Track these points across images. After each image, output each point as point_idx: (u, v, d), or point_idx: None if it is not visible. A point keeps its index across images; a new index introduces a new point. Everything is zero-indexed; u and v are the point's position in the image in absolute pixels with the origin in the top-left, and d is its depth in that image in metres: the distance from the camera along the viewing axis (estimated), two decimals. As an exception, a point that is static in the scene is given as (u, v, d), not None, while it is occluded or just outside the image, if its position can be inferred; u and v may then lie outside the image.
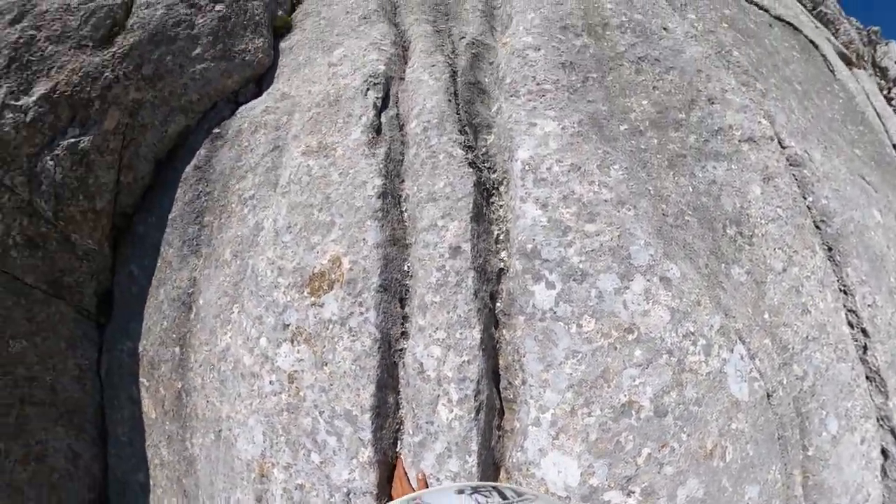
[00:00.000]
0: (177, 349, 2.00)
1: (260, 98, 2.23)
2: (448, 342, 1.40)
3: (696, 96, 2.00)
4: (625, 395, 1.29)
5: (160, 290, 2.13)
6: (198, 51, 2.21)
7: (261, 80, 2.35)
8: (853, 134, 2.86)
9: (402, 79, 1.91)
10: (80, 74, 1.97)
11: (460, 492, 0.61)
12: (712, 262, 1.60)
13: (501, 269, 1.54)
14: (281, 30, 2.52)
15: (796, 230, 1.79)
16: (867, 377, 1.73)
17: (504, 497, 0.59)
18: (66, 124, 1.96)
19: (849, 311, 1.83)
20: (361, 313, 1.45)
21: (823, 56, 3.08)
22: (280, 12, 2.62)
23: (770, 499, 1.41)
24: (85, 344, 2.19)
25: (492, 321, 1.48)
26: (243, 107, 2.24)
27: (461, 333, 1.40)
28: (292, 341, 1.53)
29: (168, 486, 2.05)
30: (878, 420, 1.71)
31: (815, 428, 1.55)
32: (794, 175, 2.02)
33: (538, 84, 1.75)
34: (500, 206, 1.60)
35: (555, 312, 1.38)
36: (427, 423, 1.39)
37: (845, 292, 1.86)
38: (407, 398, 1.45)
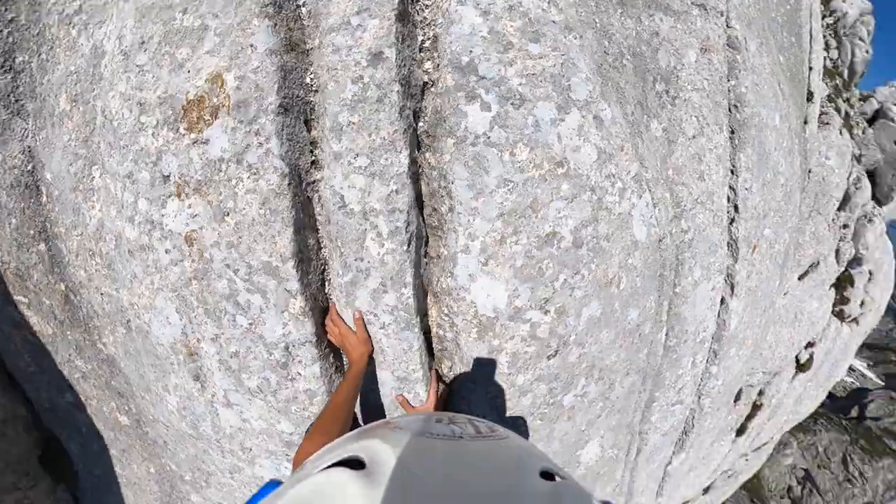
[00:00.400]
0: (41, 246, 1.56)
1: None
2: (372, 170, 1.23)
3: (663, -58, 1.80)
4: (549, 226, 1.28)
5: None
6: None
7: None
8: (784, 41, 2.93)
9: None
10: None
11: (438, 420, 0.58)
12: (637, 111, 1.57)
13: (426, 84, 1.32)
14: None
15: (714, 105, 1.87)
16: (728, 243, 2.00)
17: (478, 430, 0.56)
18: None
19: (731, 188, 2.03)
20: (261, 144, 1.18)
21: (782, -48, 2.99)
22: None
23: (644, 320, 1.63)
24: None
25: (415, 143, 1.31)
26: None
27: (387, 159, 1.22)
28: (179, 195, 1.23)
29: (100, 394, 1.78)
30: (725, 276, 2.04)
31: (685, 272, 1.79)
32: (727, 56, 2.02)
33: None
34: (427, 6, 1.33)
35: (489, 137, 1.25)
36: (356, 259, 1.28)
37: (733, 172, 2.04)
38: (329, 236, 1.30)
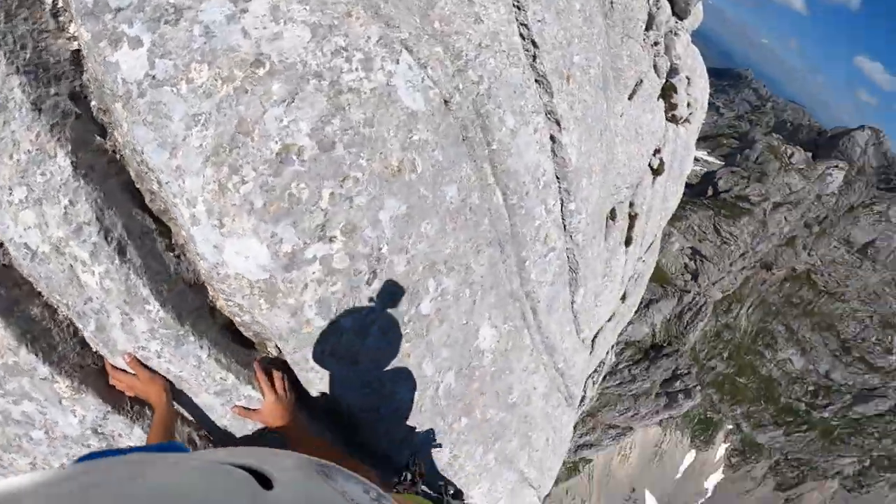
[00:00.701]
0: None
1: None
2: (34, 196, 0.97)
3: None
4: (276, 143, 1.04)
5: None
6: None
7: None
8: None
9: None
10: None
11: (366, 491, 0.47)
12: None
13: (79, 52, 1.02)
14: None
15: None
16: (536, 80, 1.87)
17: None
18: None
19: (521, 24, 1.87)
20: None
21: None
22: None
23: (469, 192, 1.49)
24: None
25: (81, 133, 1.01)
26: None
27: (43, 173, 0.96)
28: None
29: None
30: (546, 114, 1.94)
31: (494, 125, 1.64)
32: None
33: None
34: None
35: (153, 77, 0.98)
36: (85, 303, 1.06)
37: (518, 7, 1.88)
38: (48, 293, 1.07)
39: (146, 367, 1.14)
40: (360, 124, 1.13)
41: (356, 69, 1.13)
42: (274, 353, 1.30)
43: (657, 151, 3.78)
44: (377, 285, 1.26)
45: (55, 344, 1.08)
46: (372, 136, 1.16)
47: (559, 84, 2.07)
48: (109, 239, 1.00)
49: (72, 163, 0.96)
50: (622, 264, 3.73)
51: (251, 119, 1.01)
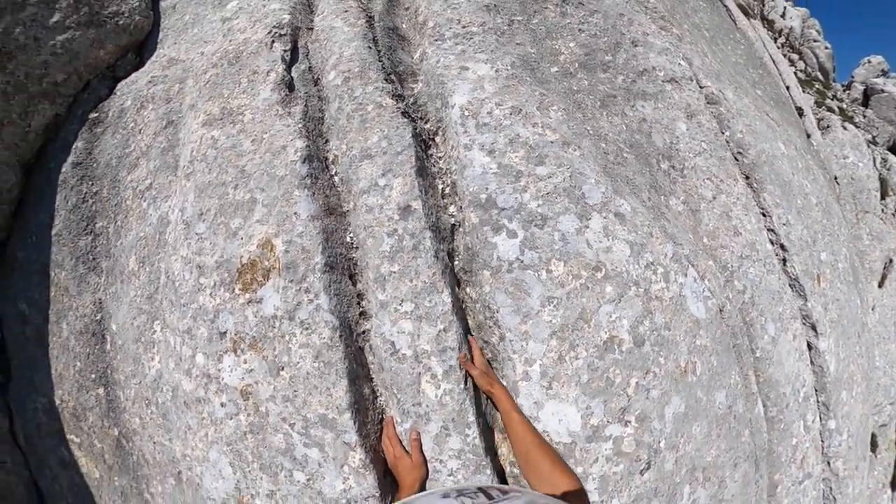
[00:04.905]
0: (100, 391, 1.65)
1: (143, 69, 1.88)
2: (418, 313, 1.26)
3: (620, 39, 1.99)
4: (605, 332, 1.26)
5: (61, 324, 1.74)
6: (56, 18, 1.82)
7: (141, 48, 1.99)
8: (754, 76, 3.06)
9: (310, 29, 1.68)
10: None
11: (445, 496, 0.58)
12: (653, 195, 1.60)
13: (454, 225, 1.41)
14: (161, -7, 2.16)
15: (719, 162, 1.91)
16: (789, 285, 1.89)
17: (490, 497, 0.58)
18: None
19: (769, 230, 1.97)
20: (311, 300, 1.25)
21: (726, 7, 3.27)
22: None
23: (735, 399, 1.50)
24: (-13, 414, 1.76)
25: (454, 281, 1.35)
26: (123, 82, 1.88)
27: (430, 301, 1.27)
28: (235, 351, 1.29)
29: None
30: (802, 319, 1.89)
31: (758, 333, 1.67)
32: (712, 112, 2.11)
33: (464, 27, 1.62)
34: (440, 158, 1.46)
35: (522, 261, 1.30)
36: (414, 405, 1.26)
37: (764, 214, 2.02)
38: (384, 384, 1.31)
39: (422, 453, 1.24)
40: (662, 327, 1.30)
41: (660, 280, 1.34)
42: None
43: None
44: (648, 477, 1.27)
45: (367, 422, 1.26)
46: (669, 339, 1.30)
47: (811, 286, 2.01)
48: (462, 367, 1.25)
49: (451, 301, 1.26)
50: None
51: (590, 310, 1.26)
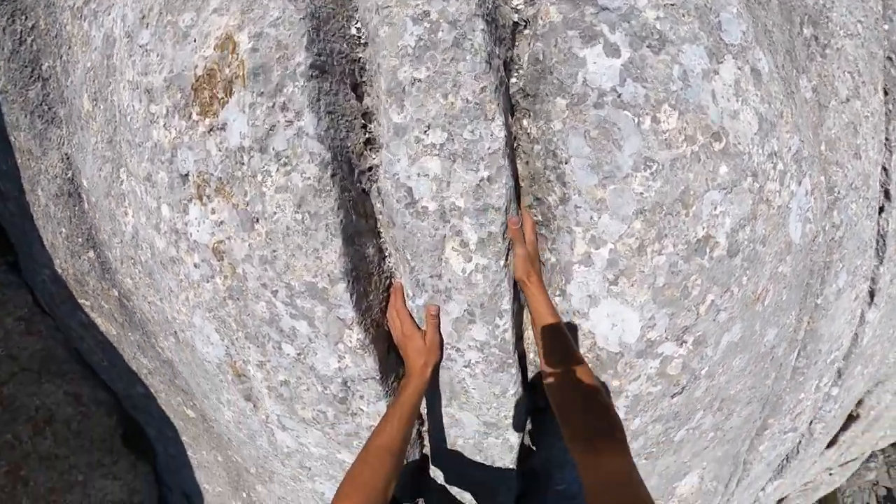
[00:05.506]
0: (91, 254, 1.47)
1: None
2: (451, 148, 0.86)
3: None
4: (703, 228, 0.93)
5: (37, 191, 1.47)
6: None
7: None
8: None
9: None
10: None
11: None
12: (787, 63, 1.18)
13: (517, 24, 0.95)
14: None
15: (869, 57, 1.42)
16: (875, 240, 1.59)
17: None
18: None
19: (883, 168, 1.57)
20: (289, 122, 0.84)
21: None
22: None
23: (781, 341, 1.31)
24: (10, 293, 1.78)
25: (509, 107, 0.96)
26: None
27: (473, 130, 0.85)
28: (200, 198, 0.96)
29: (166, 388, 1.74)
30: (870, 281, 1.63)
31: (830, 279, 1.42)
32: (882, -11, 1.55)
33: None
34: None
35: (619, 95, 0.86)
36: (432, 277, 0.95)
37: (888, 148, 1.57)
38: (393, 243, 0.99)
39: (439, 332, 1.00)
40: (759, 240, 1.01)
41: (776, 179, 1.01)
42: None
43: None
44: (676, 401, 1.16)
45: (369, 292, 0.99)
46: (760, 256, 1.04)
47: (893, 251, 1.72)
48: (505, 236, 0.91)
49: (504, 137, 0.86)
50: (806, 467, 3.06)
51: (695, 192, 0.91)
